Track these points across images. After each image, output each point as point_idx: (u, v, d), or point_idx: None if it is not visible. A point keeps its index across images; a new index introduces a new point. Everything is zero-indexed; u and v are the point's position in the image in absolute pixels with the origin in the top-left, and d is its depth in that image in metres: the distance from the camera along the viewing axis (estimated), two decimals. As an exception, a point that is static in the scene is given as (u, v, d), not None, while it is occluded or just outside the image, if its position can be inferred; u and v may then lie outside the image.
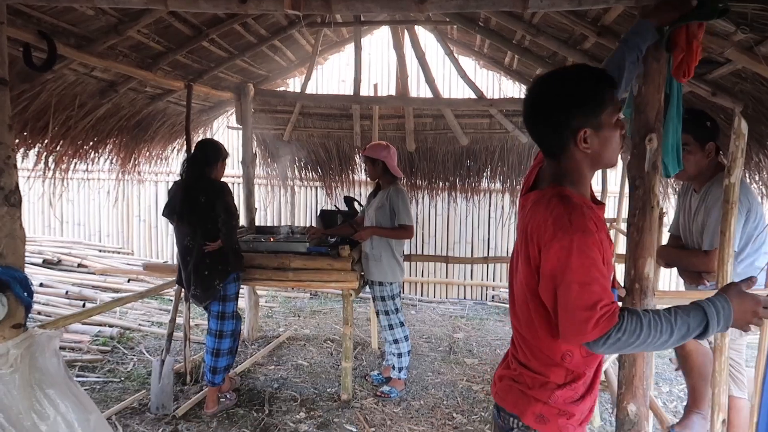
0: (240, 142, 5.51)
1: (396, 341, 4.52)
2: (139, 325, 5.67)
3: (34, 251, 7.10)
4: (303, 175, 6.90)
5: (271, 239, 4.82)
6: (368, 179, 4.86)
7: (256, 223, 5.68)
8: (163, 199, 7.90)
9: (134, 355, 5.04)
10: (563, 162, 1.54)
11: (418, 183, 6.70)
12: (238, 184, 7.71)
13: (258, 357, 5.11)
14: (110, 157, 5.10)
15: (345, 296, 4.32)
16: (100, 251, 7.75)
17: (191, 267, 3.87)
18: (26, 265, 2.84)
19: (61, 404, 2.32)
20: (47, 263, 7.05)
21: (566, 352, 1.52)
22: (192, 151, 4.05)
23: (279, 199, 7.58)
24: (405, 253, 4.74)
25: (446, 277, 7.61)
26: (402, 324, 4.54)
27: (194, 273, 3.86)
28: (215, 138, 5.41)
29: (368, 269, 4.48)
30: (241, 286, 4.23)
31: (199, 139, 4.41)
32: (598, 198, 1.65)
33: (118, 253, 7.81)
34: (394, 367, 4.57)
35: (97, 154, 4.89)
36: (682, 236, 3.07)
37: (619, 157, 1.78)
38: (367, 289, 4.63)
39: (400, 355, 4.54)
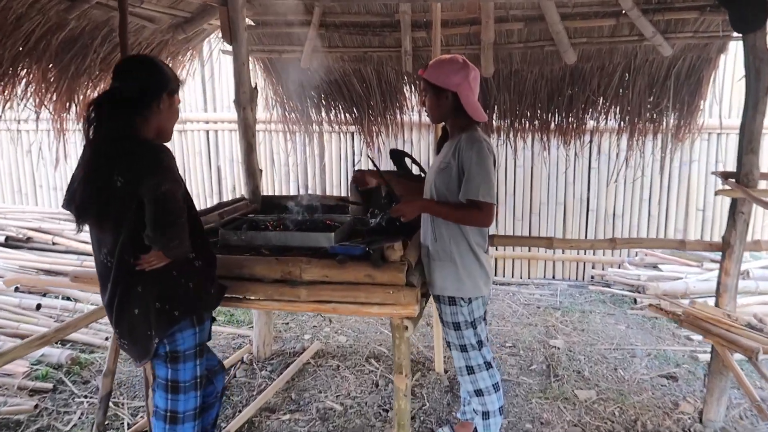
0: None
1: (479, 392, 2.71)
2: (106, 339, 4.02)
3: (-5, 226, 5.56)
4: (331, 117, 4.96)
5: (270, 224, 2.98)
6: (429, 121, 2.90)
7: (263, 192, 3.86)
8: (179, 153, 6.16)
9: (86, 395, 3.40)
10: None
11: (494, 123, 4.69)
12: (231, 132, 5.93)
13: (268, 396, 3.40)
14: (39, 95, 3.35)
15: (395, 328, 2.49)
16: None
17: (108, 299, 2.11)
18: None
19: None
20: (12, 241, 5.48)
21: None
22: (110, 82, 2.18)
23: (300, 153, 5.69)
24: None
25: (528, 250, 5.68)
26: (489, 365, 2.71)
27: (117, 311, 2.09)
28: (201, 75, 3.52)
29: (429, 275, 2.64)
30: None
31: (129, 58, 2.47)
32: None
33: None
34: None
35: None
36: None
37: None
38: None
39: (486, 416, 2.74)
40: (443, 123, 2.69)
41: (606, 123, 4.71)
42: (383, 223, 3.05)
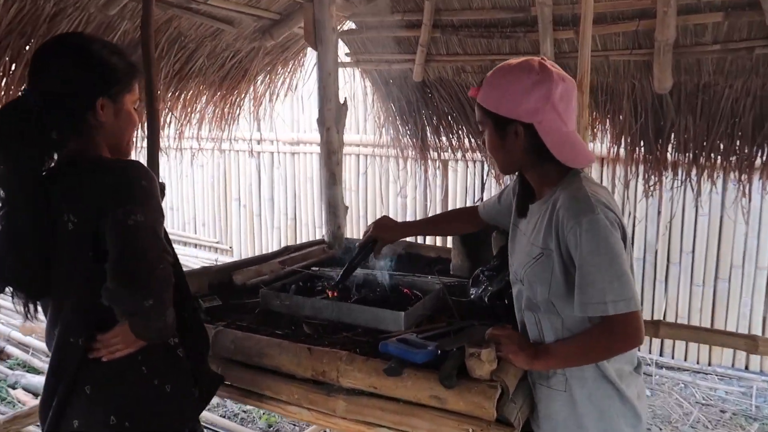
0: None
1: None
2: None
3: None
4: (453, 143, 4.05)
5: (329, 293, 2.14)
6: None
7: (347, 234, 3.08)
8: (266, 177, 5.69)
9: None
10: None
11: (669, 156, 3.45)
12: (308, 154, 5.17)
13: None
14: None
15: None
16: (195, 246, 5.89)
17: (43, 398, 1.40)
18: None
19: None
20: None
21: None
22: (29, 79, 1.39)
23: (419, 184, 4.82)
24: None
25: (710, 321, 4.23)
26: None
27: (51, 419, 1.37)
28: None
29: (537, 412, 1.62)
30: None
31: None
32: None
33: (216, 249, 5.86)
34: None
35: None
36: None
37: None
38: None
39: None
40: (519, 173, 1.67)
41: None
42: (485, 299, 2.09)
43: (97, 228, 1.27)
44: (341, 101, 2.93)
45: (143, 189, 1.29)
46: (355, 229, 5.26)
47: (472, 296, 2.16)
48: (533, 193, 1.60)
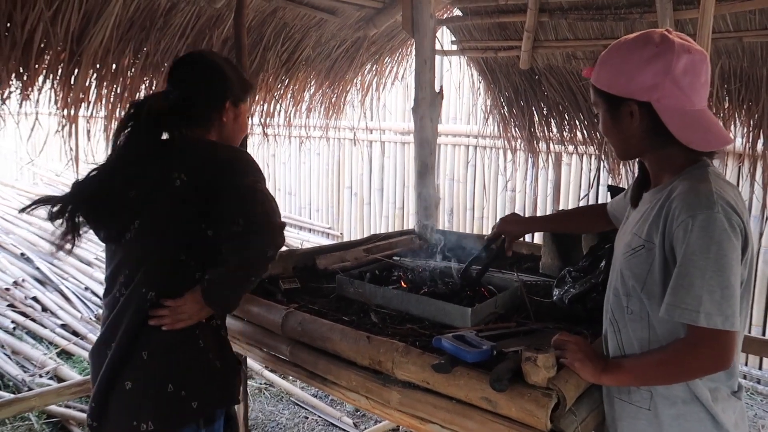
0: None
1: None
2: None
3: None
4: (565, 136, 3.81)
5: (402, 283, 2.11)
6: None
7: (438, 225, 3.03)
8: (377, 166, 5.76)
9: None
10: None
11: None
12: (402, 144, 5.06)
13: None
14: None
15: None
16: (309, 230, 6.13)
17: (95, 349, 1.53)
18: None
19: None
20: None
21: None
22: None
23: (529, 177, 4.60)
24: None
25: None
26: None
27: (103, 378, 1.46)
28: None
29: (608, 422, 1.48)
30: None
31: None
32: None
33: (327, 235, 6.06)
34: None
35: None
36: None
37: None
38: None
39: None
40: (640, 159, 1.48)
41: None
42: (566, 301, 1.96)
43: (209, 190, 1.44)
44: (437, 90, 2.87)
45: (258, 169, 1.53)
46: (461, 221, 5.17)
47: (554, 298, 2.03)
48: (650, 181, 1.43)
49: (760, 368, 3.93)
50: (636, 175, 1.55)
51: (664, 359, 1.31)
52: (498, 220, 2.04)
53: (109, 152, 1.53)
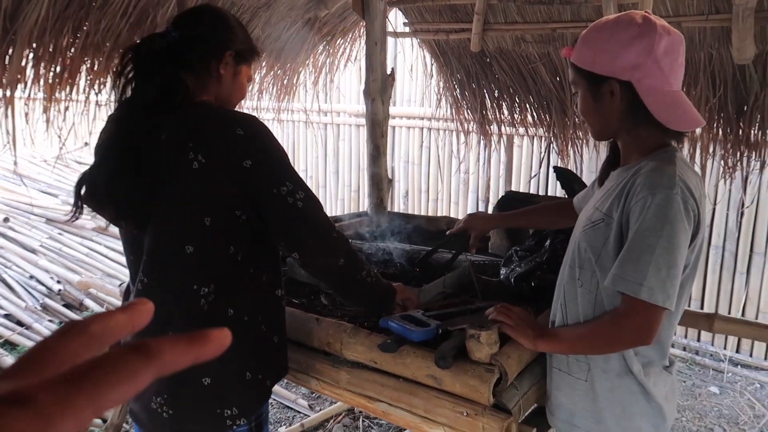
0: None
1: None
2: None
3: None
4: (515, 118, 3.87)
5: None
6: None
7: (393, 208, 3.05)
8: (331, 149, 5.69)
9: None
10: None
11: (750, 134, 3.11)
12: (357, 126, 5.08)
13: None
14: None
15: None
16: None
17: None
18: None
19: None
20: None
21: None
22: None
23: (482, 159, 4.67)
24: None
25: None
26: None
27: (173, 377, 1.38)
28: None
29: (553, 398, 1.53)
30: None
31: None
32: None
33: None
34: None
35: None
36: None
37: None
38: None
39: None
40: (612, 140, 1.52)
41: None
42: (512, 279, 2.01)
43: (235, 176, 1.31)
44: (388, 72, 2.88)
45: (280, 148, 1.42)
46: (416, 204, 5.21)
47: (501, 277, 2.08)
48: (620, 162, 1.46)
49: (698, 340, 4.13)
50: (605, 157, 1.59)
51: (593, 329, 1.36)
52: (465, 215, 2.07)
53: (115, 108, 1.40)
